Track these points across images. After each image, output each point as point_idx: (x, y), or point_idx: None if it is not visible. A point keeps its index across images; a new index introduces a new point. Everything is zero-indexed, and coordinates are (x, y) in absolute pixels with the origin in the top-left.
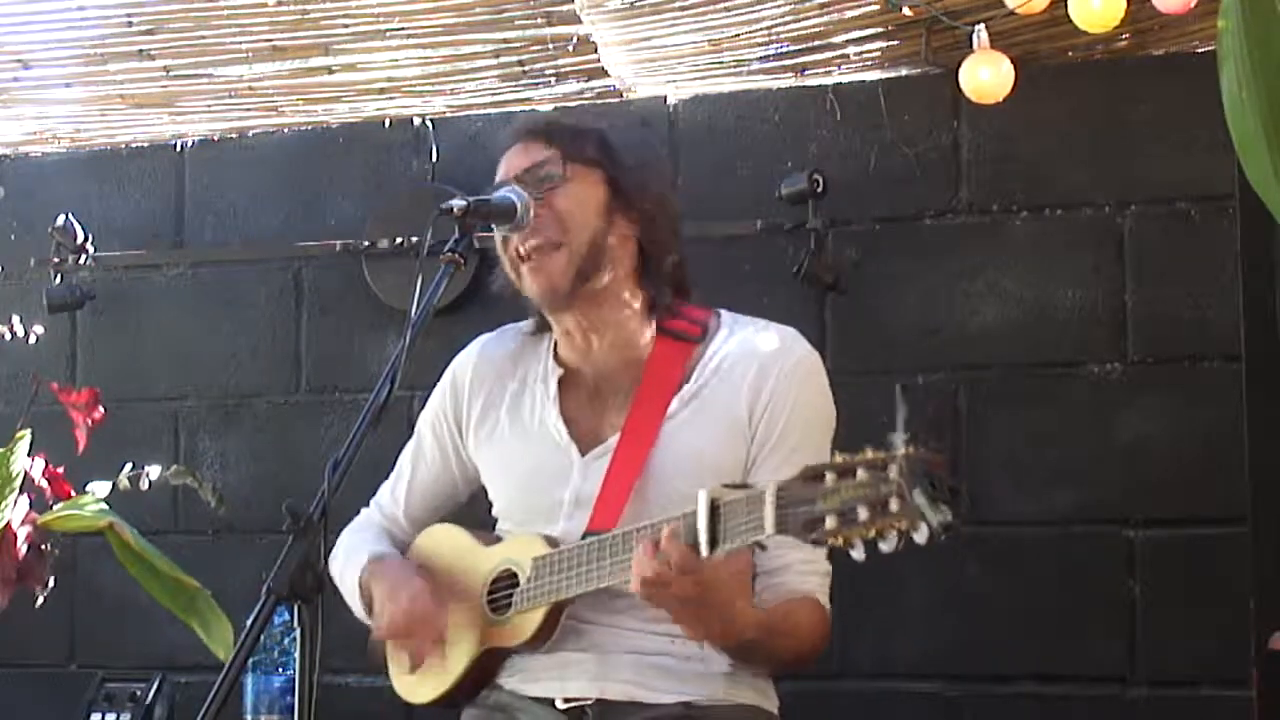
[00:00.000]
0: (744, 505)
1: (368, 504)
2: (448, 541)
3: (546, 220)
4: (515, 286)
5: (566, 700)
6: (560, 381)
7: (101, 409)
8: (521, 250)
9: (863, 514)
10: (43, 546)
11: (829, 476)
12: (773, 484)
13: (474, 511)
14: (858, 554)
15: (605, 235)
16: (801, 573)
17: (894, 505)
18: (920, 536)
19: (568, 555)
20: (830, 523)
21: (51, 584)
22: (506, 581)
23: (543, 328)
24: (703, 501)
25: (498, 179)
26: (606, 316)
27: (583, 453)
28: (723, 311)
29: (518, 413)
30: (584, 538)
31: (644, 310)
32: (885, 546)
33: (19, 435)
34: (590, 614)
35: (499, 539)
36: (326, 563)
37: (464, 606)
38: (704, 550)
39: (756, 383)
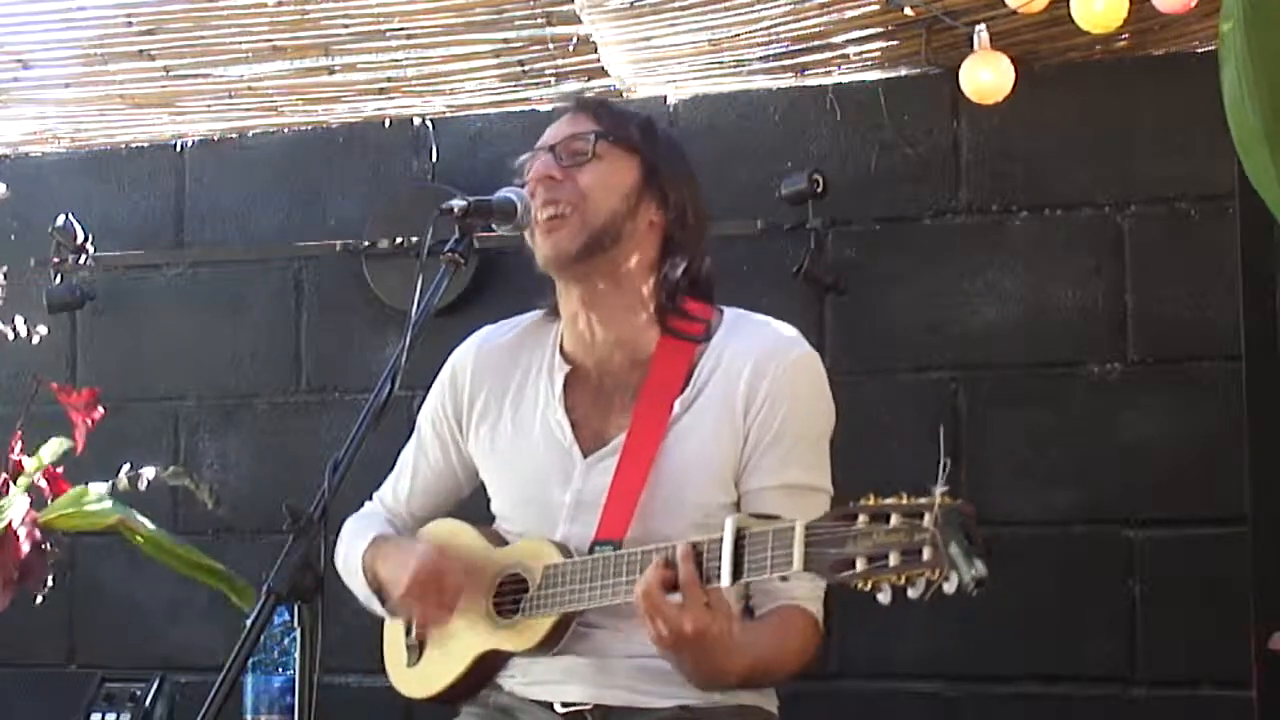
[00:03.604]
0: (771, 539)
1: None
2: (455, 538)
3: (567, 191)
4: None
5: (565, 705)
6: (565, 378)
7: (101, 409)
8: (540, 216)
9: (894, 560)
10: (44, 546)
11: (861, 518)
12: (802, 521)
13: (475, 505)
14: (884, 597)
15: (626, 218)
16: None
17: (926, 554)
18: (950, 587)
19: (580, 567)
20: (860, 565)
21: (50, 583)
22: (513, 585)
23: (555, 313)
24: (729, 530)
25: (537, 145)
26: (615, 303)
27: (585, 454)
28: (726, 309)
29: (519, 409)
30: (593, 548)
31: (654, 305)
32: (913, 593)
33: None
34: (593, 616)
35: (503, 538)
36: (326, 563)
37: (469, 604)
38: (726, 579)
39: (752, 381)
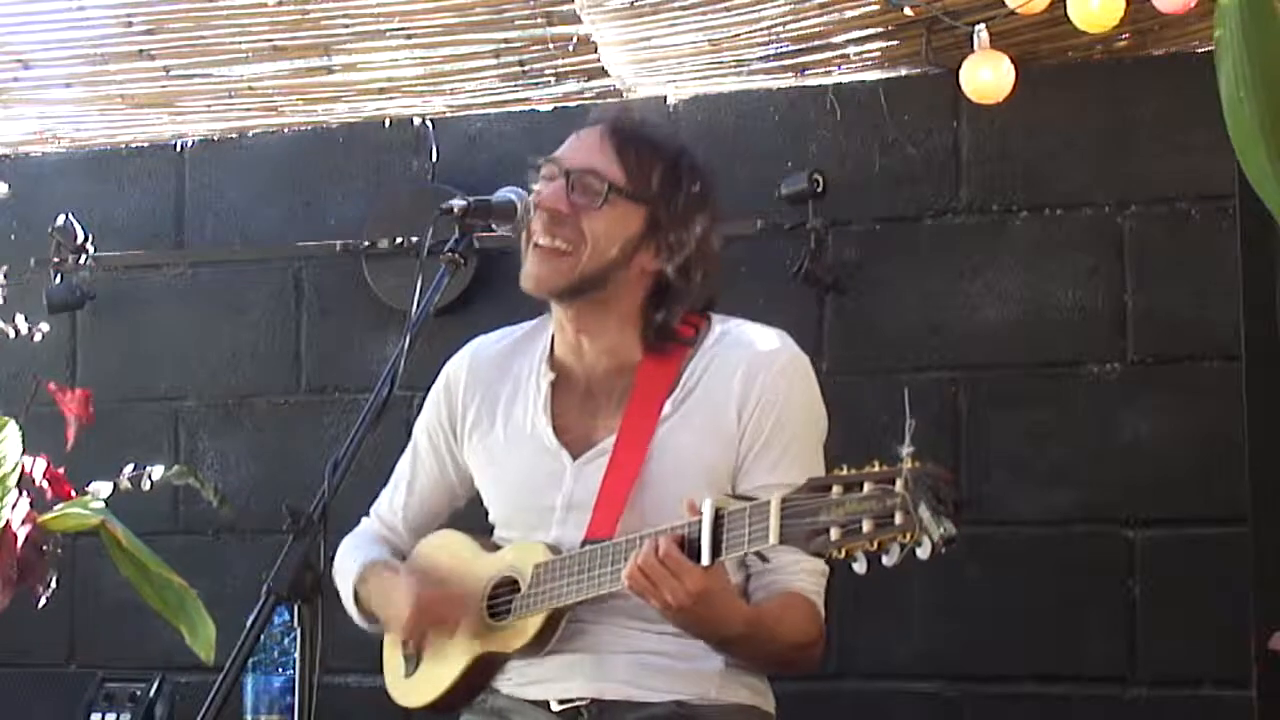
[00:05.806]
0: (748, 515)
1: (367, 508)
2: (448, 547)
3: (569, 230)
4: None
5: (561, 702)
6: (552, 385)
7: (91, 411)
8: (538, 240)
9: (866, 526)
10: (44, 546)
11: (835, 488)
12: (778, 495)
13: (473, 515)
14: (859, 566)
15: (619, 267)
16: (794, 572)
17: (898, 518)
18: (923, 551)
19: (568, 562)
20: (834, 534)
21: (53, 584)
22: (507, 588)
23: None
24: (707, 510)
25: (556, 153)
26: (602, 323)
27: (574, 457)
28: (713, 314)
29: (509, 417)
30: (583, 545)
31: (641, 328)
32: (888, 560)
33: (2, 422)
34: (587, 614)
35: (499, 546)
36: (326, 563)
37: (463, 612)
38: (705, 558)
39: (744, 385)
